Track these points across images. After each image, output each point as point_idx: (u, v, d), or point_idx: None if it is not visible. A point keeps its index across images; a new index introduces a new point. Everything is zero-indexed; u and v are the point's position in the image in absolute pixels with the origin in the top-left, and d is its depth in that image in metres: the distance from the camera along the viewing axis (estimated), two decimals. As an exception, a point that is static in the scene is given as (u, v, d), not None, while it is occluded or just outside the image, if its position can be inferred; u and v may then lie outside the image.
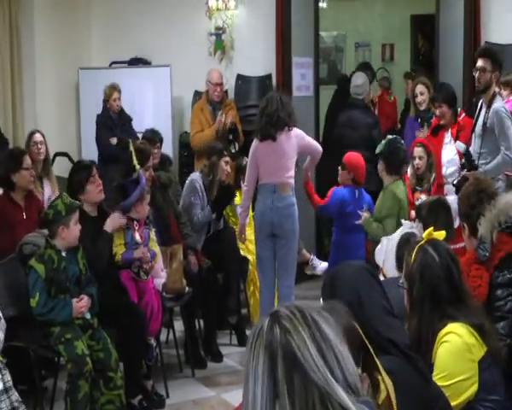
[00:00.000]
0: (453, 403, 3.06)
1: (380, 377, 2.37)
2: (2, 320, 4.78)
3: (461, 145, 6.62)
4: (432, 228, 3.49)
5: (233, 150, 8.23)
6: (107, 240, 5.83)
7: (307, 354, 1.65)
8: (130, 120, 8.85)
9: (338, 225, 7.12)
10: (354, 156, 7.13)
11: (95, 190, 5.91)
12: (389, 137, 6.84)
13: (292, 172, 6.76)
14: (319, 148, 7.05)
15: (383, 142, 6.71)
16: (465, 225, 4.38)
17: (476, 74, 6.58)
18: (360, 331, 2.39)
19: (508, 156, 6.36)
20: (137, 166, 6.24)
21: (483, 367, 3.20)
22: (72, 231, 5.32)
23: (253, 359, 1.69)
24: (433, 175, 6.90)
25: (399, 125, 9.60)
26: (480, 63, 6.56)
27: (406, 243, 4.28)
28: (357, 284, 2.79)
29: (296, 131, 6.72)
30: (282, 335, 1.67)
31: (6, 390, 4.60)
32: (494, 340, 3.31)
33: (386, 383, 2.38)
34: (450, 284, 3.30)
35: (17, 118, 9.03)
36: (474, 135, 6.69)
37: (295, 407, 1.62)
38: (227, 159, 7.48)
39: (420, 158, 6.83)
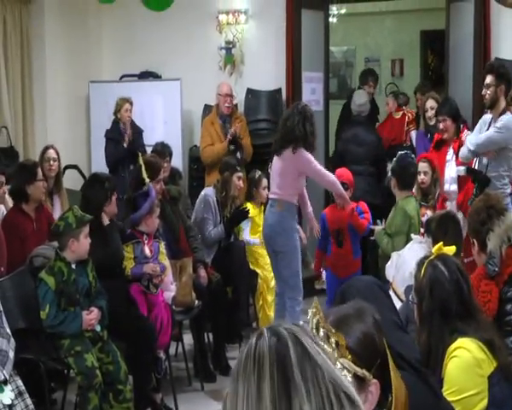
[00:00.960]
0: None
1: (393, 387, 2.38)
2: (12, 339, 4.79)
3: (460, 169, 6.60)
4: (442, 243, 3.50)
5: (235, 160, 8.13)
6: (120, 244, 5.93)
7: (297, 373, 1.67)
8: (141, 131, 8.85)
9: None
10: (345, 172, 7.32)
11: (113, 204, 5.98)
12: (400, 152, 6.84)
13: (287, 190, 6.72)
14: (327, 177, 6.90)
15: (395, 158, 6.70)
16: (474, 240, 4.38)
17: (483, 91, 6.55)
18: (382, 338, 2.41)
19: (497, 132, 6.36)
20: (147, 180, 6.28)
21: (493, 382, 3.19)
22: (82, 245, 5.33)
23: (244, 372, 1.70)
24: (438, 190, 6.93)
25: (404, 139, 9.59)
26: (486, 79, 6.52)
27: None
28: (368, 299, 2.80)
29: (301, 156, 6.56)
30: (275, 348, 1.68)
31: (20, 394, 4.67)
32: (504, 355, 3.30)
33: (401, 393, 2.39)
34: (459, 299, 3.30)
35: (28, 130, 9.04)
36: None
37: None
38: (240, 174, 7.49)
39: (425, 173, 6.81)
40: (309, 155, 6.58)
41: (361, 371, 2.28)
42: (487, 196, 4.65)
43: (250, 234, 7.77)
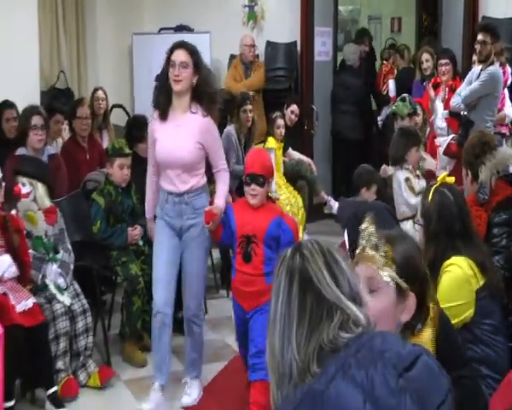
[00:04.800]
0: (452, 321, 3.05)
1: (431, 304, 2.39)
2: (72, 254, 4.81)
3: (444, 113, 6.67)
4: (446, 173, 3.45)
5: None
6: None
7: (321, 276, 1.70)
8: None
9: None
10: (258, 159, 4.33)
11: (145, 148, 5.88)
12: (403, 95, 6.76)
13: None
14: None
15: (399, 101, 6.62)
16: (468, 171, 4.32)
17: (478, 47, 6.38)
18: (421, 262, 2.39)
19: (480, 84, 6.25)
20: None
21: (480, 297, 3.17)
22: (115, 172, 5.26)
23: (276, 280, 1.75)
24: (428, 128, 6.86)
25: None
26: (480, 37, 6.32)
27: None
28: (379, 222, 2.72)
29: None
30: (301, 261, 1.72)
31: (77, 295, 4.72)
32: (492, 275, 3.26)
33: (434, 309, 2.40)
34: (462, 221, 3.24)
35: (81, 74, 8.96)
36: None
37: (305, 322, 1.67)
38: (246, 107, 7.27)
39: (418, 115, 6.68)
40: None
41: (402, 283, 2.26)
42: (482, 134, 4.56)
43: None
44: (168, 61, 4.23)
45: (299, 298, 1.68)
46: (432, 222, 3.23)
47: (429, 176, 5.69)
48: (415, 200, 5.15)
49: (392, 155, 5.50)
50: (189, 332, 4.55)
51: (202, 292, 4.66)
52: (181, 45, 4.25)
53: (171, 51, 4.24)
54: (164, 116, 4.30)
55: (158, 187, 4.45)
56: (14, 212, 4.43)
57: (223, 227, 4.30)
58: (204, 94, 4.25)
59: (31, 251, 4.49)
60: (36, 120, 5.55)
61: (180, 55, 4.18)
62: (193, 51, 4.25)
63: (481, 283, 3.18)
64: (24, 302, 4.24)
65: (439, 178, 3.37)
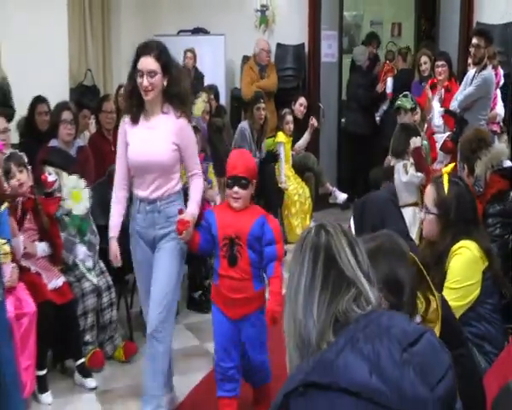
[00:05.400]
0: (460, 303, 3.08)
1: (431, 296, 2.36)
2: (97, 236, 4.82)
3: (440, 111, 6.69)
4: (454, 164, 3.47)
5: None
6: None
7: (344, 255, 1.73)
8: (202, 76, 8.69)
9: None
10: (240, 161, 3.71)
11: None
12: (405, 92, 6.75)
13: None
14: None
15: (402, 97, 6.62)
16: (465, 165, 4.33)
17: (472, 50, 6.39)
18: (415, 259, 2.34)
19: (474, 89, 6.28)
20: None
21: (486, 277, 3.17)
22: None
23: (300, 254, 1.76)
24: (426, 124, 6.83)
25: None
26: (475, 40, 6.35)
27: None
28: (383, 210, 2.72)
29: None
30: (326, 238, 1.75)
31: (102, 273, 4.74)
32: (495, 260, 3.26)
33: (436, 301, 2.37)
34: (473, 208, 3.28)
35: (106, 72, 9.01)
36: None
37: (327, 293, 1.70)
38: (259, 105, 7.30)
39: (417, 113, 6.63)
40: None
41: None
42: (478, 131, 4.57)
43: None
44: (135, 67, 3.62)
45: (323, 273, 1.71)
46: (451, 211, 3.20)
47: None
48: (405, 178, 5.19)
49: (393, 148, 5.48)
50: (150, 349, 3.72)
51: (170, 305, 3.73)
52: (146, 51, 3.59)
53: (137, 56, 3.61)
54: (135, 120, 3.73)
55: (125, 202, 3.87)
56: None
57: (201, 234, 3.68)
58: (174, 95, 3.66)
59: (62, 234, 4.51)
60: (66, 115, 5.54)
61: (147, 64, 3.56)
62: (160, 55, 3.60)
63: (486, 264, 3.18)
64: (54, 281, 4.27)
65: (445, 170, 3.35)
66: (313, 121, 7.82)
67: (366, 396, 1.53)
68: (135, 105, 3.68)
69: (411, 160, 5.37)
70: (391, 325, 1.65)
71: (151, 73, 3.54)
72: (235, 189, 3.56)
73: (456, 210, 3.18)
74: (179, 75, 3.71)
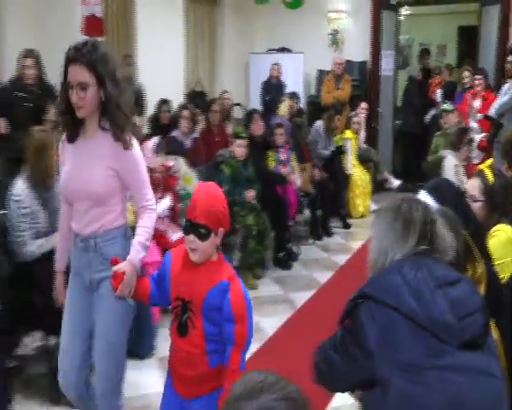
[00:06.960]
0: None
1: (477, 263, 2.28)
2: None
3: (479, 115, 6.54)
4: (492, 160, 3.33)
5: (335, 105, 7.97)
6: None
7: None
8: (285, 85, 8.70)
9: None
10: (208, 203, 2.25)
11: (258, 126, 5.98)
12: (446, 101, 6.77)
13: None
14: None
15: (443, 104, 6.50)
16: (505, 161, 4.15)
17: (508, 66, 6.31)
18: (465, 233, 2.26)
19: (509, 98, 6.11)
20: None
21: None
22: (236, 149, 5.31)
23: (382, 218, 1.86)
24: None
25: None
26: (510, 58, 6.28)
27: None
28: (455, 197, 2.60)
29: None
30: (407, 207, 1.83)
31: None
32: None
33: (482, 266, 2.30)
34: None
35: (212, 82, 9.17)
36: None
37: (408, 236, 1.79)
38: (338, 116, 7.43)
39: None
40: None
41: None
42: None
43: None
44: (66, 76, 2.34)
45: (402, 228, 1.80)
46: (499, 197, 3.07)
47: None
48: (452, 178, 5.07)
49: (450, 141, 5.40)
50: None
51: (116, 369, 2.48)
52: (75, 58, 2.29)
53: (66, 63, 2.33)
54: (71, 139, 2.46)
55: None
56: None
57: (155, 281, 2.32)
58: (112, 114, 2.35)
59: (179, 205, 4.67)
60: (185, 113, 5.77)
61: (77, 74, 2.30)
62: (92, 62, 2.29)
63: None
64: (176, 235, 4.45)
65: (484, 165, 3.25)
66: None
67: (403, 311, 1.61)
68: (69, 121, 2.43)
69: (461, 157, 5.24)
70: (434, 267, 1.71)
71: (81, 85, 2.30)
72: (191, 237, 2.11)
73: (505, 198, 3.06)
74: (116, 91, 2.35)
